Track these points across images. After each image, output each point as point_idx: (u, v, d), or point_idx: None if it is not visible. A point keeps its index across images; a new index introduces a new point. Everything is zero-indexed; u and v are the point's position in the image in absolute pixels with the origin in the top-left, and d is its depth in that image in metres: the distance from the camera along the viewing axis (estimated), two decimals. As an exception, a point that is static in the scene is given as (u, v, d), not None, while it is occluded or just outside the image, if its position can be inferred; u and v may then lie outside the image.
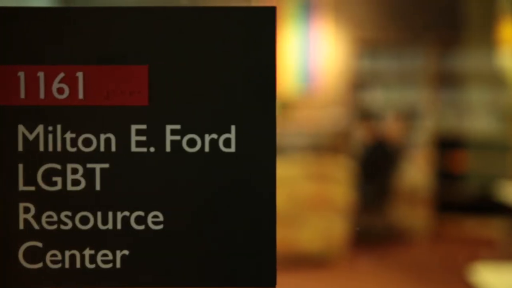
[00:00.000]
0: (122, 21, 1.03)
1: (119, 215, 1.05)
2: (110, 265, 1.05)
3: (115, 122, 1.04)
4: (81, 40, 1.03)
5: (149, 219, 1.05)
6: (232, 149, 1.04)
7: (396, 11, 8.82)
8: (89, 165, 1.04)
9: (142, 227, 1.05)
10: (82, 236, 1.05)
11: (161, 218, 1.05)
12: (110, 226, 1.05)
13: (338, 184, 6.51)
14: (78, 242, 1.05)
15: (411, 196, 7.46)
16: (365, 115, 7.42)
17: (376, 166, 7.07)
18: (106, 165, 1.04)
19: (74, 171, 1.04)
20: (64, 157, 1.04)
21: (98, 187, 1.05)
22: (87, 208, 1.05)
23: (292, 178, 6.33)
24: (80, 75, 1.04)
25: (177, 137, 1.04)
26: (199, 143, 1.04)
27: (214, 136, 1.04)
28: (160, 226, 1.05)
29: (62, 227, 1.04)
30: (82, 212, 1.05)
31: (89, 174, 1.05)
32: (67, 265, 1.04)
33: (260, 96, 1.04)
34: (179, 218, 1.05)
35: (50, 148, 1.04)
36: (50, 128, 1.04)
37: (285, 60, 9.34)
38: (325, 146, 8.54)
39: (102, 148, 1.04)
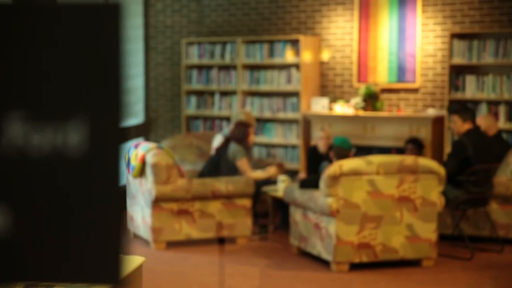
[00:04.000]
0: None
1: None
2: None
3: None
4: None
5: None
6: (78, 144, 0.98)
7: (494, 4, 8.44)
8: None
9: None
10: None
11: (8, 212, 0.99)
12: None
13: (431, 181, 6.18)
14: None
15: (509, 194, 7.03)
16: (461, 106, 7.06)
17: (472, 160, 6.68)
18: None
19: None
20: None
21: None
22: None
23: (380, 173, 6.07)
24: None
25: (20, 126, 0.99)
26: (43, 135, 0.98)
27: (57, 130, 0.98)
28: (8, 222, 0.98)
29: None
30: None
31: None
32: None
33: (105, 91, 0.99)
34: (27, 214, 1.00)
35: None
36: None
37: (380, 49, 9.09)
38: (417, 137, 8.26)
39: None
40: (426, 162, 6.25)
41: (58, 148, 0.99)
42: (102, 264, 1.01)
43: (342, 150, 6.62)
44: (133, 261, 3.63)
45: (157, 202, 6.87)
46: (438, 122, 8.47)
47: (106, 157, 0.98)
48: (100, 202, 0.98)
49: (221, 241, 7.09)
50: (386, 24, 8.99)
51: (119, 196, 1.01)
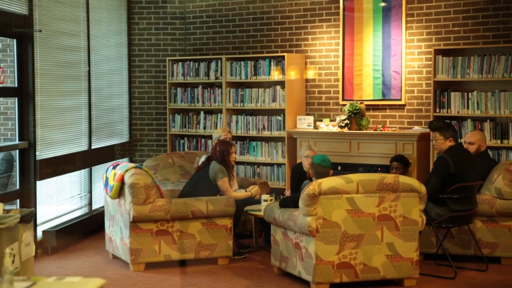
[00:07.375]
0: None
1: None
2: None
3: None
4: None
5: None
6: None
7: (478, 20, 8.38)
8: None
9: None
10: None
11: None
12: None
13: (412, 199, 6.08)
14: None
15: (493, 211, 6.92)
16: (442, 123, 6.94)
17: (455, 177, 6.56)
18: None
19: None
20: None
21: None
22: None
23: (359, 191, 5.97)
24: None
25: None
26: None
27: None
28: None
29: None
30: None
31: None
32: None
33: None
34: None
35: None
36: None
37: (365, 67, 9.03)
38: (402, 154, 8.17)
39: None
40: (406, 180, 6.15)
41: None
42: None
43: (322, 168, 6.52)
44: (92, 283, 3.49)
45: (136, 223, 6.75)
46: (424, 139, 8.38)
47: None
48: None
49: (182, 263, 6.98)
50: (370, 41, 8.93)
51: None
